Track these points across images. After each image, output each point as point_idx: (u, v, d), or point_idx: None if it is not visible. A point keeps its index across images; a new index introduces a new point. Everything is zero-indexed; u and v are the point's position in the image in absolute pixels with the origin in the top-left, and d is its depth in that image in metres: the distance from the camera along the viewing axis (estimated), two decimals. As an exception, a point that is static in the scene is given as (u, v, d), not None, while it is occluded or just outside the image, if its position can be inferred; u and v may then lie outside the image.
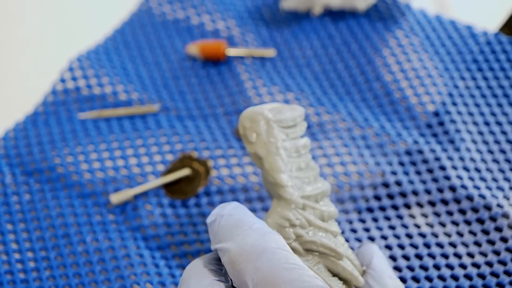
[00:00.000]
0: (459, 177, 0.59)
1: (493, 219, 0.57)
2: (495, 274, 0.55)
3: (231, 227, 0.47)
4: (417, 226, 0.58)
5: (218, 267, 0.48)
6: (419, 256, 0.57)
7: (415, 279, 0.56)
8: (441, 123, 0.63)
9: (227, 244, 0.47)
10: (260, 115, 0.52)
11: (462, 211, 0.58)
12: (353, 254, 0.52)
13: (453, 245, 0.57)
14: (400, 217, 0.59)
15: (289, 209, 0.51)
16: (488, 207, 0.57)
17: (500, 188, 0.59)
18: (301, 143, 0.53)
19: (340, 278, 0.51)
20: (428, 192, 0.59)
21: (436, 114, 0.63)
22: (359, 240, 0.58)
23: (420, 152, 0.61)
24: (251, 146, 0.52)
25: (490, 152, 0.61)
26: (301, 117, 0.54)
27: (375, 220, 0.59)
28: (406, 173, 0.60)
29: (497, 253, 0.56)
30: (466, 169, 0.60)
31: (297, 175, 0.52)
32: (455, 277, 0.56)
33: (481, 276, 0.55)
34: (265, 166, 0.52)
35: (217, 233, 0.48)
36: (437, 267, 0.56)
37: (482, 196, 0.58)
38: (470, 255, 0.56)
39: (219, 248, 0.47)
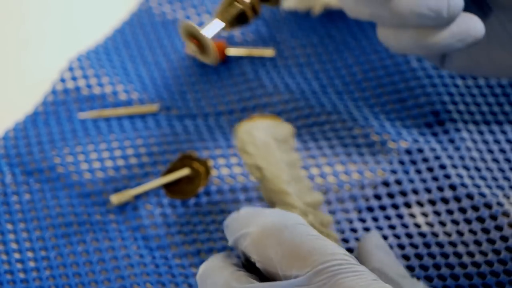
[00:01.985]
0: (459, 176, 0.59)
1: (493, 217, 0.57)
2: (495, 274, 0.55)
3: (250, 216, 0.48)
4: (417, 226, 0.58)
5: (238, 260, 0.49)
6: (419, 256, 0.57)
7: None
8: (441, 122, 0.63)
9: (248, 229, 0.47)
10: (256, 129, 0.55)
11: (462, 210, 0.58)
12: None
13: (453, 244, 0.57)
14: (400, 216, 0.59)
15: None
16: (488, 206, 0.57)
17: (500, 187, 0.59)
18: (293, 157, 0.55)
19: None
20: (428, 190, 0.59)
21: (436, 113, 0.63)
22: (359, 240, 0.58)
23: (420, 151, 0.61)
24: (250, 157, 0.55)
25: (490, 151, 0.61)
26: (291, 134, 0.56)
27: (375, 219, 0.59)
28: (406, 172, 0.60)
29: (497, 252, 0.56)
30: (466, 168, 0.60)
31: (294, 185, 0.54)
32: (455, 277, 0.56)
33: (481, 275, 0.55)
34: (267, 175, 0.54)
35: (235, 226, 0.48)
36: (437, 266, 0.56)
37: (482, 195, 0.58)
38: (470, 254, 0.56)
39: (241, 235, 0.47)
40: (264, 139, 0.55)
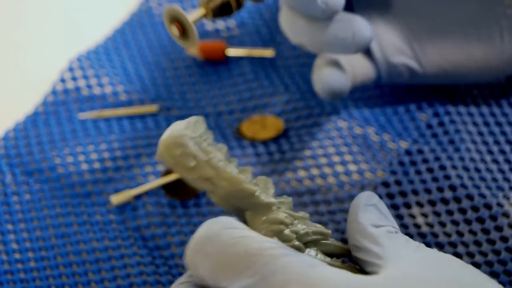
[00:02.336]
0: (459, 177, 0.59)
1: (493, 218, 0.57)
2: (495, 274, 0.55)
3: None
4: (417, 226, 0.58)
5: None
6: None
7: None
8: (441, 123, 0.63)
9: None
10: (184, 136, 0.48)
11: (462, 210, 0.58)
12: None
13: (453, 245, 0.57)
14: (400, 217, 0.59)
15: (274, 212, 0.48)
16: (488, 206, 0.57)
17: (500, 188, 0.59)
18: (223, 149, 0.50)
19: (335, 256, 0.50)
20: (428, 191, 0.59)
21: (436, 114, 0.64)
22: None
23: (420, 151, 0.61)
24: (192, 171, 0.48)
25: (490, 152, 0.61)
26: (205, 125, 0.51)
27: (375, 220, 0.59)
28: (406, 172, 0.60)
29: (497, 253, 0.56)
30: (466, 168, 0.60)
31: (249, 179, 0.49)
32: (455, 277, 0.56)
33: (481, 276, 0.55)
34: (221, 183, 0.48)
35: None
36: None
37: (482, 195, 0.58)
38: (470, 255, 0.56)
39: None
40: (197, 145, 0.48)
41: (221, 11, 0.52)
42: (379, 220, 0.48)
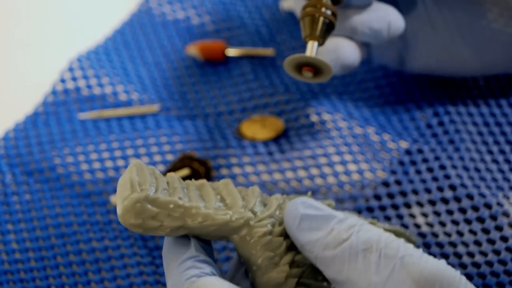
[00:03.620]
0: (459, 176, 0.59)
1: (493, 217, 0.57)
2: (495, 274, 0.55)
3: None
4: (417, 226, 0.58)
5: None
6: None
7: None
8: (441, 123, 0.63)
9: None
10: (137, 203, 0.45)
11: (462, 210, 0.58)
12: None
13: (453, 244, 0.57)
14: (400, 216, 0.59)
15: (256, 224, 0.47)
16: (488, 206, 0.57)
17: (499, 188, 0.59)
18: (174, 177, 0.48)
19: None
20: (428, 191, 0.59)
21: (436, 114, 0.64)
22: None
23: (420, 151, 0.61)
24: (161, 229, 0.46)
25: (490, 152, 0.61)
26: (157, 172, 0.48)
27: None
28: (406, 172, 0.61)
29: (497, 252, 0.56)
30: (466, 168, 0.60)
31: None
32: (455, 277, 0.55)
33: (481, 276, 0.55)
34: (193, 225, 0.46)
35: None
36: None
37: (482, 195, 0.58)
38: (470, 254, 0.56)
39: None
40: (150, 203, 0.45)
41: (327, 31, 0.54)
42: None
